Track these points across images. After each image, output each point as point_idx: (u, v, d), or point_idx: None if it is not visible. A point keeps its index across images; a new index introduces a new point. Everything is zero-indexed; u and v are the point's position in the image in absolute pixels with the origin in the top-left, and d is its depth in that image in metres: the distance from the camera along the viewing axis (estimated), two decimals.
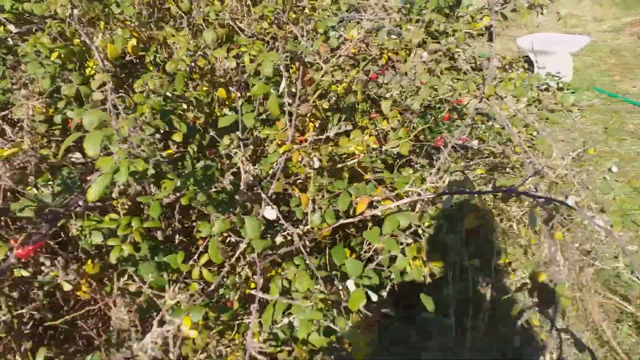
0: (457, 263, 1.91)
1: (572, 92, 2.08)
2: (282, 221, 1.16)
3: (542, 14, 2.10)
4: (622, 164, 4.12)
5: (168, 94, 1.16)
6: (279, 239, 1.29)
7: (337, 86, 1.46)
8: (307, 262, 1.15)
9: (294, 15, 1.98)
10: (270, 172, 1.33)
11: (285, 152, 1.25)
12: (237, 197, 1.14)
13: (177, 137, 1.42)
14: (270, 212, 1.20)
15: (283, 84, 1.28)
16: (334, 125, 1.88)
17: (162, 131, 1.12)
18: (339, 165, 1.63)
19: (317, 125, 1.58)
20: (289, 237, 1.30)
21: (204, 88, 1.43)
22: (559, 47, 5.20)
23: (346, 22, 1.58)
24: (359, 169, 1.66)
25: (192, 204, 1.08)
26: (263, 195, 1.17)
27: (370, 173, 2.03)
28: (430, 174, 1.47)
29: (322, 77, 1.42)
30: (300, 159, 1.26)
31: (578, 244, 2.74)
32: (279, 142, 1.26)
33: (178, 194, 1.11)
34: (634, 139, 4.45)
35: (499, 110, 1.79)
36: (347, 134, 1.81)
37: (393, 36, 1.49)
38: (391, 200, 1.36)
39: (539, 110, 2.14)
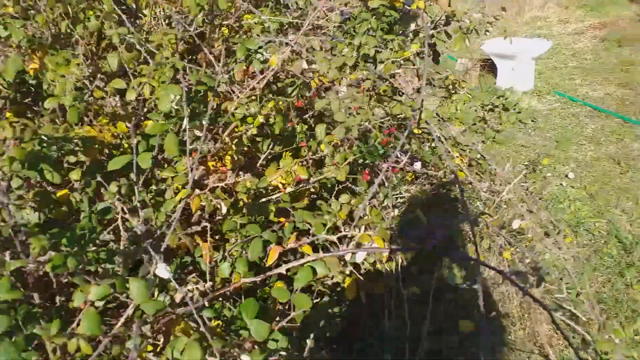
0: (394, 292, 1.82)
1: (518, 112, 2.00)
2: (173, 282, 1.04)
3: (487, 32, 2.01)
4: (579, 170, 4.11)
5: (44, 136, 1.02)
6: (178, 297, 1.16)
7: (253, 119, 1.33)
8: (203, 329, 1.03)
9: (226, 32, 1.85)
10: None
11: (183, 198, 1.13)
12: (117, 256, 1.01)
13: (75, 175, 1.28)
14: (163, 270, 1.07)
15: (185, 121, 1.16)
16: (263, 152, 1.76)
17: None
18: (263, 200, 1.52)
19: (236, 158, 1.45)
20: (192, 293, 1.18)
21: (104, 121, 1.29)
22: (522, 52, 5.18)
23: (271, 45, 1.45)
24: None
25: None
26: (152, 251, 1.04)
27: (306, 200, 1.91)
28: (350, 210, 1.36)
29: (235, 109, 1.29)
30: (201, 206, 1.13)
31: (528, 260, 2.70)
32: (178, 187, 1.14)
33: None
34: (592, 144, 4.45)
35: (435, 134, 1.70)
36: (278, 162, 1.69)
37: (315, 65, 1.37)
38: (310, 248, 1.25)
39: (483, 130, 2.06)
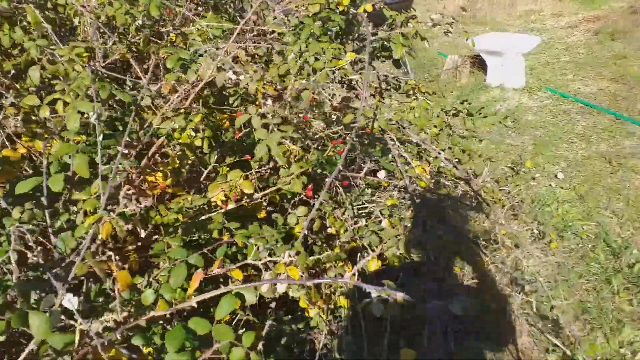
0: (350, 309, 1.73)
1: (484, 117, 1.90)
2: (76, 315, 0.96)
3: (449, 33, 1.92)
4: (569, 169, 3.99)
5: None
6: (96, 326, 1.08)
7: (180, 134, 1.25)
8: None
9: (174, 38, 1.76)
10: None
11: (94, 223, 1.04)
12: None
13: None
14: (68, 301, 0.99)
15: (99, 140, 1.07)
16: (209, 164, 1.68)
17: None
18: (203, 218, 1.43)
19: (168, 174, 1.37)
20: (110, 321, 1.10)
21: (25, 139, 1.21)
22: (510, 48, 5.07)
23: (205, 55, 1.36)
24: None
25: None
26: (54, 282, 0.96)
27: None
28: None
29: (160, 123, 1.21)
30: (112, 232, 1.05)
31: (507, 269, 2.60)
32: (89, 210, 1.06)
33: None
34: (582, 142, 4.33)
35: (390, 144, 1.61)
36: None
37: (242, 77, 1.28)
38: (241, 272, 1.16)
39: (449, 135, 1.97)
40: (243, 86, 1.27)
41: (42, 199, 1.08)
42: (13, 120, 1.15)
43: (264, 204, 1.74)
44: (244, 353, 1.07)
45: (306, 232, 1.35)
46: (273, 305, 1.40)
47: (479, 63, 5.71)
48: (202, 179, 1.55)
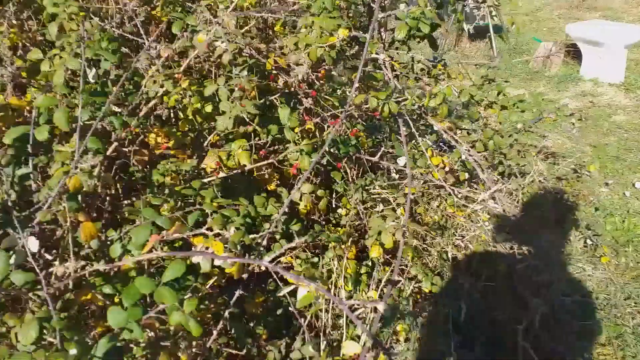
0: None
1: (522, 112, 1.75)
2: (30, 259, 1.04)
3: (494, 16, 1.76)
4: None
5: None
6: (60, 270, 1.17)
7: (169, 97, 1.27)
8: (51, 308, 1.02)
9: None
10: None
11: (66, 174, 1.11)
12: None
13: (7, 140, 1.32)
14: (33, 243, 1.08)
15: (80, 96, 1.13)
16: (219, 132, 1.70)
17: None
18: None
19: (162, 136, 1.41)
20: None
21: (34, 90, 1.31)
22: (611, 39, 4.56)
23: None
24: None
25: None
26: (17, 225, 1.05)
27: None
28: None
29: (151, 85, 1.24)
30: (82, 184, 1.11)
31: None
32: (63, 161, 1.12)
33: None
34: None
35: (402, 132, 1.53)
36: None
37: (223, 44, 1.25)
38: (202, 239, 1.19)
39: (482, 129, 1.84)
40: (216, 56, 1.27)
41: (28, 146, 1.17)
42: (7, 72, 1.24)
43: (267, 176, 1.76)
44: (184, 319, 1.10)
45: (286, 209, 1.34)
46: (246, 276, 1.42)
47: (574, 53, 5.22)
48: (206, 145, 1.59)
